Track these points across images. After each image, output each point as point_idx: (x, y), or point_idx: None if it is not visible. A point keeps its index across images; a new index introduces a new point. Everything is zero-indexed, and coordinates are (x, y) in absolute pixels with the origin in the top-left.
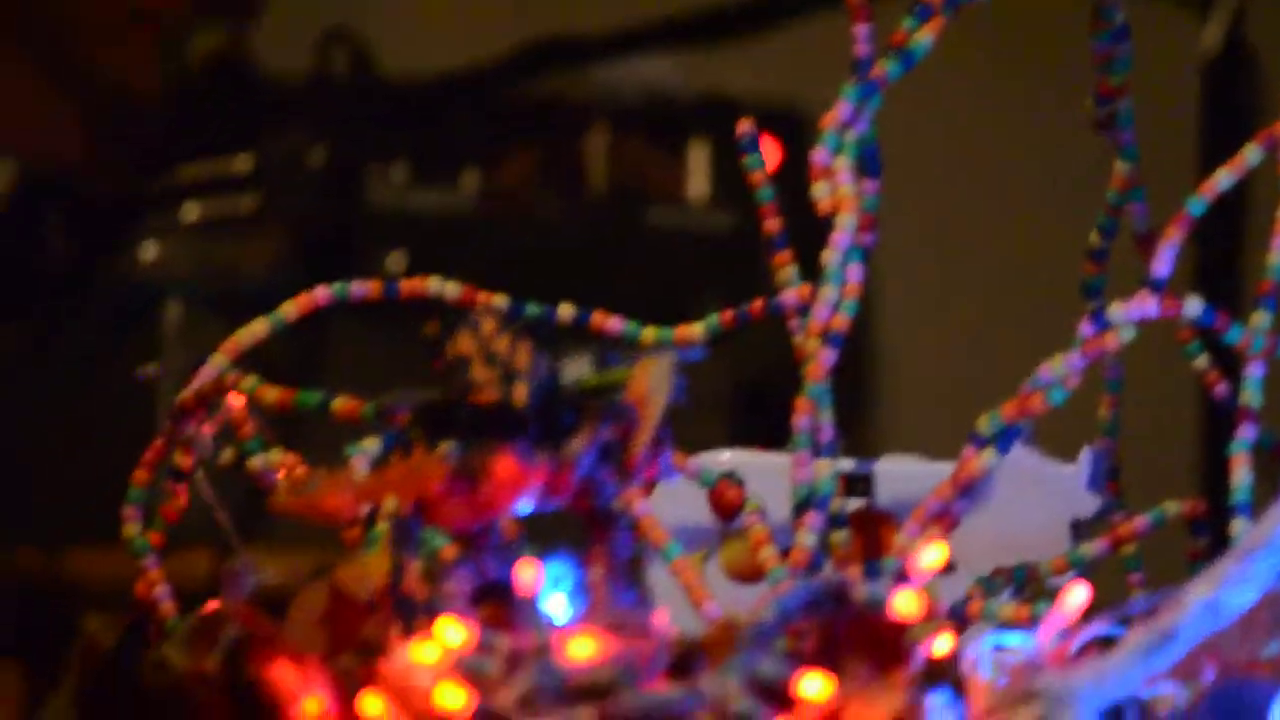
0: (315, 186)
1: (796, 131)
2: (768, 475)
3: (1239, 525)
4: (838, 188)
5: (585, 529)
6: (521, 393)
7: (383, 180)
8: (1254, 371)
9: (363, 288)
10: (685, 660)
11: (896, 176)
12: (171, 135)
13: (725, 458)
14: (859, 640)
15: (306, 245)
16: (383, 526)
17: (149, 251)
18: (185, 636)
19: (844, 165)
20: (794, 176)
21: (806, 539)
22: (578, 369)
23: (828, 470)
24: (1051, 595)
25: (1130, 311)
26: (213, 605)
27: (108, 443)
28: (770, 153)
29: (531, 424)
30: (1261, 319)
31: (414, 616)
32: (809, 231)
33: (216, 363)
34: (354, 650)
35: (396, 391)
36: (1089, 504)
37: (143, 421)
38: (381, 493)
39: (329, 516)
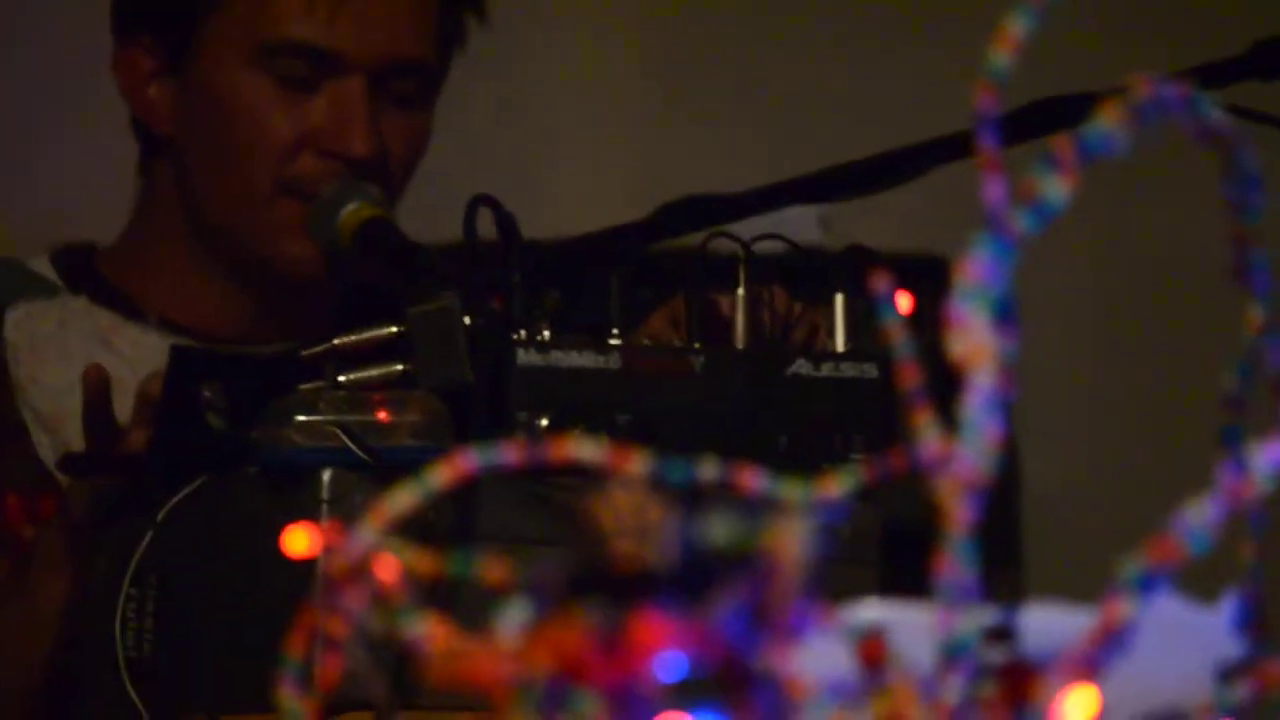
0: (463, 352)
1: (939, 280)
2: (914, 627)
3: None
4: (972, 340)
5: (730, 689)
6: (663, 553)
7: (529, 342)
8: None
9: (507, 451)
10: None
11: (1039, 326)
12: (323, 304)
13: (870, 610)
14: None
15: (456, 410)
16: (532, 690)
17: (302, 420)
18: None
19: (979, 318)
20: (936, 326)
21: (952, 691)
22: (721, 526)
23: (972, 622)
24: None
25: (1270, 458)
26: None
27: (264, 612)
28: (905, 304)
29: (673, 584)
30: None
31: None
32: (952, 382)
33: (367, 530)
34: None
35: (546, 555)
36: (1235, 648)
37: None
38: (530, 656)
39: (480, 681)
